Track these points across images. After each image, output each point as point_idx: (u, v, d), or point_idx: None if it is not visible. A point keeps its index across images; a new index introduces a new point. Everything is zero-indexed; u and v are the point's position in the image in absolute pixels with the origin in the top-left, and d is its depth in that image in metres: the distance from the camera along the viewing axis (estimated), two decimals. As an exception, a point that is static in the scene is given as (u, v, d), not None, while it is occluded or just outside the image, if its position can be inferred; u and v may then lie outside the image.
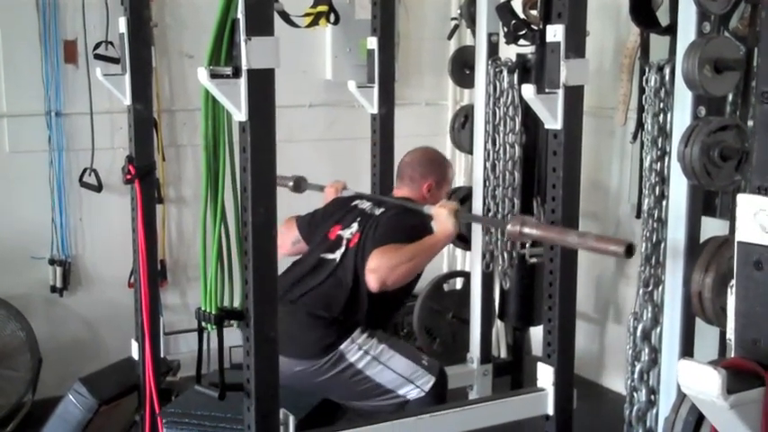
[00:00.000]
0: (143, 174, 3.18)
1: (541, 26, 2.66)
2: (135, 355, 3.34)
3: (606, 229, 4.38)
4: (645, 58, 3.10)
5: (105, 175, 4.25)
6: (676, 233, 2.77)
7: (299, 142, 4.53)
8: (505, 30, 3.52)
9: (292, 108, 4.56)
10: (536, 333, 4.23)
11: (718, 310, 2.62)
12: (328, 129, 4.81)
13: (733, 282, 1.75)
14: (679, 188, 2.74)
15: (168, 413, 2.95)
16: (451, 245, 4.73)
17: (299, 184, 3.64)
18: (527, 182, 3.65)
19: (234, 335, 2.50)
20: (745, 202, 1.69)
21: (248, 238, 2.29)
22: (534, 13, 3.62)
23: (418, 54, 5.02)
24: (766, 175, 1.66)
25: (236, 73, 2.20)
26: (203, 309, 2.42)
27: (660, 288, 2.92)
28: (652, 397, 3.00)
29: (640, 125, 3.02)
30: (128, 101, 3.18)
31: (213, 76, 2.20)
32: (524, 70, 3.57)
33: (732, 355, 1.75)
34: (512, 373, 4.08)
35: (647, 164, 2.91)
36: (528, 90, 2.59)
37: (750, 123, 2.68)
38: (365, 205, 3.34)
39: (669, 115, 2.82)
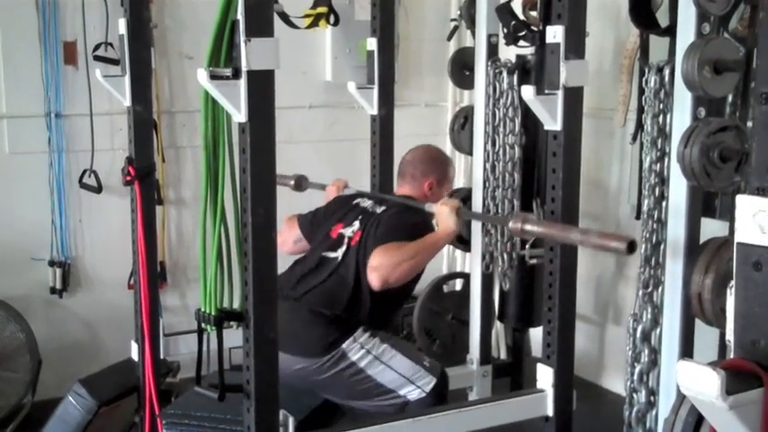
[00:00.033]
0: (143, 175, 3.18)
1: (541, 27, 2.66)
2: (134, 356, 3.34)
3: (606, 229, 4.35)
4: (644, 59, 3.10)
5: (105, 177, 4.25)
6: (676, 234, 2.77)
7: (299, 143, 4.53)
8: (505, 31, 3.51)
9: (292, 109, 4.57)
10: (536, 334, 4.23)
11: (717, 311, 2.62)
12: (328, 130, 4.82)
13: (732, 283, 1.75)
14: (679, 189, 2.74)
15: (168, 414, 2.95)
16: (451, 246, 4.74)
17: (301, 183, 3.64)
18: (527, 183, 3.65)
19: (234, 336, 2.50)
20: (745, 203, 1.69)
21: (248, 240, 2.29)
22: (534, 14, 3.61)
23: (418, 55, 5.02)
24: (765, 176, 1.66)
25: (236, 74, 2.20)
26: (203, 310, 2.42)
27: (660, 289, 2.91)
28: (652, 398, 3.00)
29: (640, 126, 3.01)
30: (127, 102, 3.18)
31: (213, 77, 2.20)
32: (524, 71, 3.57)
33: (731, 356, 1.75)
34: (511, 375, 4.08)
35: (646, 165, 2.91)
36: (527, 91, 2.59)
37: (750, 124, 2.67)
38: (367, 203, 3.35)
39: (669, 116, 2.82)
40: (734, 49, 2.65)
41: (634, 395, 3.03)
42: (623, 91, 3.79)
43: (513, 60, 3.62)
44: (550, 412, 2.80)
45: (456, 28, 4.46)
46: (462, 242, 4.01)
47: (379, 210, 3.27)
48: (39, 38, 4.16)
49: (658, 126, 2.86)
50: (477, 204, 3.71)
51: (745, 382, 1.64)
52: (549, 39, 2.58)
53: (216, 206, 2.38)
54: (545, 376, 2.80)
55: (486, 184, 3.68)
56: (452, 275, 4.54)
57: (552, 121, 2.64)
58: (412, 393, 3.06)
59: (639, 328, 2.98)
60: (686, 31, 2.65)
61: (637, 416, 3.03)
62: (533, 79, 3.42)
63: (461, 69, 4.11)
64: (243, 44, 2.17)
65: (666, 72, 2.81)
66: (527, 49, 3.58)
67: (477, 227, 3.73)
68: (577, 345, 2.88)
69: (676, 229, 2.77)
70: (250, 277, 2.31)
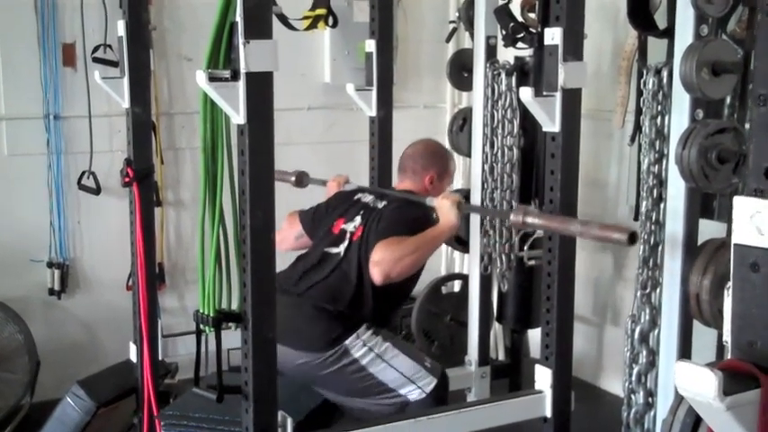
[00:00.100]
0: (141, 177, 3.19)
1: (539, 29, 2.67)
2: (133, 357, 3.34)
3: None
4: (643, 61, 3.10)
5: (104, 178, 4.25)
6: (674, 235, 2.78)
7: (298, 145, 4.53)
8: (503, 33, 3.51)
9: (291, 111, 4.57)
10: (534, 335, 4.23)
11: (715, 312, 2.62)
12: (327, 132, 4.82)
13: (729, 284, 1.75)
14: (677, 190, 2.74)
15: (166, 416, 2.95)
16: (449, 248, 4.75)
17: (301, 179, 3.64)
18: (525, 184, 3.66)
19: (232, 337, 2.51)
20: (742, 205, 1.69)
21: (246, 241, 2.29)
22: (532, 16, 3.62)
23: (416, 57, 5.03)
24: (762, 178, 1.66)
25: (235, 76, 2.21)
26: (201, 311, 2.42)
27: (658, 290, 2.92)
28: (650, 399, 3.00)
29: (638, 128, 3.02)
30: (126, 104, 3.18)
31: (212, 79, 2.20)
32: (522, 73, 3.57)
33: (728, 357, 1.76)
34: (510, 376, 4.09)
35: (644, 166, 2.92)
36: (526, 93, 2.60)
37: (748, 126, 2.68)
38: (368, 198, 3.35)
39: (667, 118, 2.82)
40: (732, 51, 2.66)
41: (632, 396, 3.04)
42: (621, 92, 3.80)
43: (512, 62, 3.62)
44: (549, 413, 2.80)
45: (454, 30, 4.46)
46: (461, 243, 4.01)
47: (381, 205, 3.27)
48: (37, 40, 4.16)
49: (656, 127, 2.87)
50: (475, 204, 3.71)
51: (742, 383, 1.65)
52: (548, 40, 2.58)
53: (214, 208, 2.38)
54: (543, 377, 2.81)
55: (485, 186, 3.68)
56: (451, 277, 4.55)
57: (550, 123, 2.65)
58: (412, 393, 3.06)
59: (638, 330, 2.99)
60: (684, 33, 2.65)
61: (635, 417, 3.04)
62: (532, 81, 3.39)
63: (460, 71, 4.12)
64: (242, 46, 2.17)
65: (665, 74, 2.81)
66: (525, 51, 3.58)
67: (475, 228, 3.74)
68: (576, 346, 2.89)
69: (674, 231, 2.77)
70: (248, 279, 2.31)
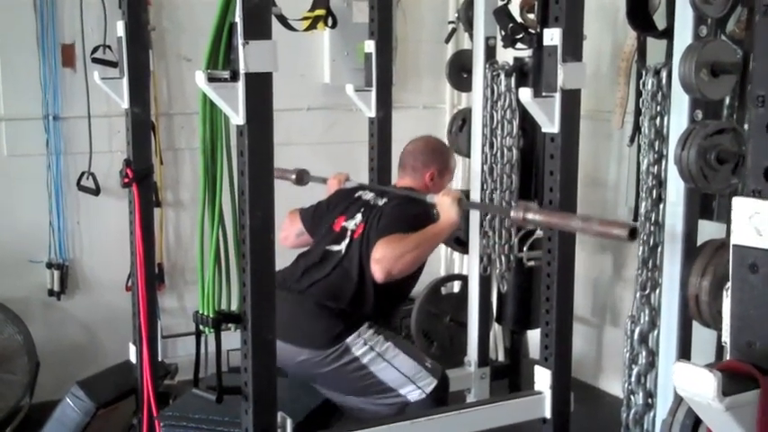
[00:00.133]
0: (141, 177, 3.19)
1: (539, 30, 2.67)
2: (133, 358, 3.34)
3: (604, 232, 4.38)
4: (642, 62, 3.10)
5: (103, 179, 4.25)
6: (673, 236, 2.78)
7: (297, 145, 4.53)
8: (503, 33, 3.52)
9: (290, 111, 4.57)
10: (533, 336, 4.23)
11: (715, 313, 2.62)
12: (326, 132, 4.82)
13: (728, 285, 1.75)
14: (676, 191, 2.74)
15: (166, 416, 2.95)
16: (449, 248, 4.75)
17: (302, 177, 3.63)
18: (524, 185, 3.66)
19: (231, 338, 2.50)
20: (741, 205, 1.69)
21: (246, 242, 2.29)
22: (531, 16, 3.62)
23: (416, 57, 5.03)
24: (761, 179, 1.66)
25: (234, 76, 2.21)
26: (201, 312, 2.42)
27: (657, 291, 2.92)
28: (649, 400, 3.00)
29: (637, 128, 3.02)
30: (125, 104, 3.18)
31: (211, 79, 2.20)
32: (521, 74, 3.57)
33: (727, 358, 1.76)
34: (509, 377, 4.09)
35: (644, 167, 2.92)
36: (525, 93, 2.60)
37: (747, 127, 2.68)
38: (368, 196, 3.35)
39: (666, 118, 2.82)
40: (731, 52, 2.66)
41: (632, 397, 3.03)
42: (621, 93, 3.80)
43: (511, 63, 3.62)
44: (548, 414, 2.80)
45: (454, 30, 4.47)
46: (460, 244, 4.01)
47: (381, 202, 3.27)
48: (37, 40, 4.16)
49: (656, 128, 2.87)
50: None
51: (741, 384, 1.64)
52: (547, 41, 2.58)
53: (214, 208, 2.38)
54: (543, 378, 2.81)
55: (484, 186, 3.69)
56: (450, 277, 4.55)
57: (550, 124, 2.65)
58: (412, 394, 3.06)
59: (637, 330, 2.99)
60: (683, 34, 2.65)
61: (634, 418, 3.03)
62: (531, 82, 3.40)
63: (459, 72, 4.12)
64: (241, 47, 2.18)
65: (664, 74, 2.81)
66: (525, 52, 3.59)
67: (475, 229, 3.74)
68: (575, 347, 2.89)
69: (674, 232, 2.77)
70: (248, 279, 2.31)
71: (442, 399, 3.10)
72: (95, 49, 4.06)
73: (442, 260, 5.14)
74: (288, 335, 2.89)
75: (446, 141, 4.27)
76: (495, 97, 3.62)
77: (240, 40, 2.17)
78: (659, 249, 2.89)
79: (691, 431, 1.83)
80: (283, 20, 2.79)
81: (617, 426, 3.09)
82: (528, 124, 3.52)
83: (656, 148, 2.87)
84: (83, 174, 4.24)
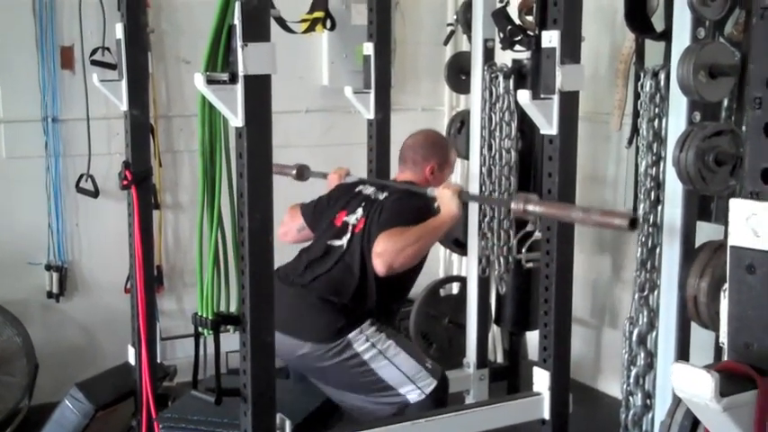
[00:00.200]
0: (140, 179, 3.19)
1: (537, 32, 2.67)
2: (131, 360, 3.34)
3: (602, 233, 4.39)
4: (640, 64, 3.10)
5: (102, 181, 4.25)
6: (672, 238, 2.78)
7: (296, 148, 4.52)
8: (501, 35, 3.53)
9: (289, 114, 4.58)
10: (532, 338, 4.24)
11: (713, 314, 2.62)
12: (325, 134, 4.82)
13: (726, 286, 1.75)
14: (674, 193, 2.75)
15: (165, 418, 2.95)
16: (448, 250, 4.75)
17: (302, 173, 3.62)
18: (523, 186, 3.66)
19: (230, 340, 2.51)
20: (738, 207, 1.69)
21: (245, 243, 2.30)
22: (530, 18, 3.63)
23: (414, 60, 5.03)
24: (758, 180, 1.67)
25: (233, 79, 2.21)
26: (200, 314, 2.42)
27: (656, 293, 2.92)
28: (648, 401, 3.00)
29: (636, 130, 3.02)
30: (124, 107, 3.18)
31: (210, 81, 2.21)
32: (520, 76, 3.58)
33: (725, 359, 1.76)
34: (508, 378, 4.09)
35: (642, 169, 2.92)
36: (523, 95, 2.60)
37: (745, 128, 2.68)
38: (369, 190, 3.36)
39: (664, 120, 2.83)
40: (729, 54, 2.66)
41: (630, 398, 3.04)
42: (619, 95, 3.81)
43: (510, 65, 3.63)
44: (547, 415, 2.80)
45: (452, 32, 4.47)
46: (459, 246, 4.02)
47: (382, 196, 3.28)
48: (36, 42, 4.16)
49: (654, 130, 2.87)
50: (473, 208, 3.72)
51: (738, 385, 1.65)
52: (545, 43, 2.59)
53: (213, 210, 2.39)
54: (541, 379, 2.81)
55: (483, 188, 3.69)
56: (449, 279, 4.55)
57: (548, 126, 2.65)
58: (411, 394, 3.06)
59: (636, 332, 2.99)
60: (682, 36, 2.66)
61: (633, 419, 3.04)
62: (529, 84, 3.43)
63: (458, 74, 4.13)
64: (240, 49, 2.18)
65: (662, 76, 2.82)
66: (523, 54, 3.59)
67: (473, 231, 3.74)
68: (574, 348, 2.89)
69: (672, 233, 2.78)
70: (247, 281, 2.31)
71: (441, 400, 3.10)
72: (94, 52, 4.05)
73: (440, 262, 5.14)
74: (290, 328, 2.91)
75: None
76: (493, 99, 3.63)
77: (239, 43, 2.18)
78: (658, 251, 2.89)
79: (689, 432, 1.84)
80: (282, 22, 2.80)
81: (615, 427, 3.10)
82: (526, 126, 3.52)
83: (655, 150, 2.88)
84: (81, 176, 4.24)
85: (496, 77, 3.61)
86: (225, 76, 2.21)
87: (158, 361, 3.35)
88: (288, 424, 2.46)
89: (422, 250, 3.08)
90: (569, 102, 2.63)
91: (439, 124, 4.92)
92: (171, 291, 4.57)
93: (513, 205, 2.66)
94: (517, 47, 3.51)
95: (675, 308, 2.78)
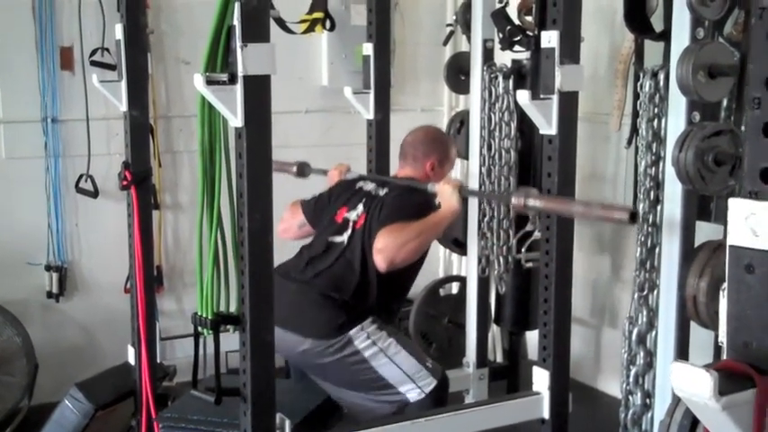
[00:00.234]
0: (139, 180, 3.19)
1: (536, 32, 2.68)
2: (131, 360, 3.34)
3: (601, 232, 4.40)
4: (639, 64, 3.11)
5: (101, 182, 4.25)
6: (671, 238, 2.78)
7: (296, 148, 4.51)
8: (500, 36, 3.54)
9: (288, 114, 4.58)
10: (532, 337, 4.24)
11: (712, 313, 2.62)
12: (324, 135, 4.82)
13: (725, 285, 1.76)
14: (674, 193, 2.75)
15: (164, 418, 2.95)
16: (447, 250, 4.75)
17: (303, 170, 3.62)
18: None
19: (230, 340, 2.51)
20: (737, 206, 1.69)
21: (244, 244, 2.30)
22: (529, 19, 3.63)
23: (414, 60, 5.04)
24: (757, 180, 1.67)
25: (233, 79, 2.21)
26: (200, 314, 2.43)
27: (655, 292, 2.93)
28: (647, 401, 3.01)
29: (635, 130, 3.03)
30: (124, 107, 3.19)
31: (209, 82, 2.21)
32: (519, 76, 3.58)
33: (724, 358, 1.76)
34: (508, 378, 4.09)
35: (641, 169, 2.92)
36: (523, 96, 2.61)
37: (744, 128, 2.68)
38: (369, 186, 3.36)
39: (663, 120, 2.83)
40: (728, 54, 2.66)
41: (630, 398, 3.04)
42: (618, 95, 3.81)
43: (509, 65, 3.63)
44: (546, 415, 2.81)
45: (452, 33, 4.48)
46: (459, 246, 4.02)
47: (382, 192, 3.28)
48: (35, 43, 4.16)
49: (653, 130, 2.88)
50: (473, 207, 3.72)
51: (737, 384, 1.65)
52: (545, 43, 2.59)
53: (212, 210, 2.39)
54: (541, 379, 2.81)
55: (482, 188, 3.69)
56: (449, 279, 4.56)
57: (547, 126, 2.65)
58: (411, 393, 3.06)
59: (635, 331, 2.99)
60: (681, 36, 2.66)
61: (632, 418, 3.04)
62: (529, 84, 3.43)
63: (457, 74, 4.13)
64: (239, 49, 2.18)
65: (661, 77, 2.82)
66: (522, 54, 3.60)
67: (473, 230, 3.75)
68: (573, 348, 2.89)
69: (671, 233, 2.78)
70: (246, 281, 2.31)
71: (441, 399, 3.10)
72: (94, 52, 4.05)
73: (440, 262, 5.14)
74: (291, 324, 2.92)
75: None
76: (492, 99, 3.63)
77: (238, 43, 2.18)
78: (657, 250, 2.89)
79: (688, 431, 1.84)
80: (281, 23, 2.80)
81: (615, 426, 3.10)
82: (526, 126, 3.53)
83: (654, 150, 2.88)
84: (81, 176, 4.24)
85: (496, 78, 3.61)
86: (224, 77, 2.21)
87: (158, 361, 3.35)
88: (287, 423, 2.46)
89: (423, 245, 3.08)
90: (569, 102, 2.63)
91: (438, 124, 4.88)
92: (171, 291, 4.57)
93: (513, 200, 2.66)
94: (516, 47, 3.52)
95: (675, 307, 2.78)
